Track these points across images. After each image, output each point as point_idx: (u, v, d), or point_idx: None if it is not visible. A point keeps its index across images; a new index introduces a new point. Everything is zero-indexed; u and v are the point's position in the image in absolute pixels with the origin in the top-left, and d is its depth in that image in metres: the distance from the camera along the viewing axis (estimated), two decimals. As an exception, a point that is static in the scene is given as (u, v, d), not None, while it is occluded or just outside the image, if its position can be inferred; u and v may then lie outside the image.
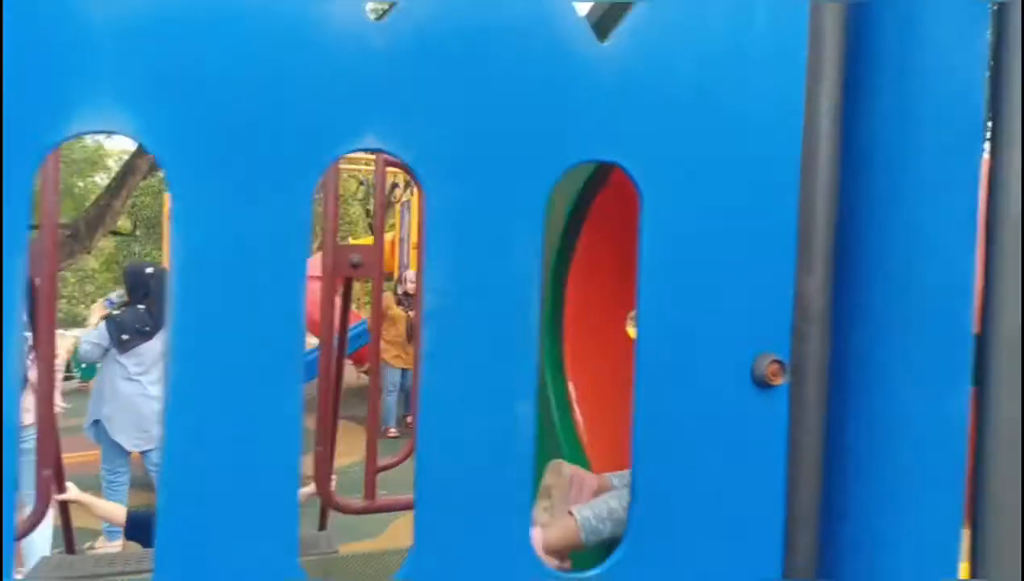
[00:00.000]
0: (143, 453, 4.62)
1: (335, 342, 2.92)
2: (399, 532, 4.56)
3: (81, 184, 19.53)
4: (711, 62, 0.77)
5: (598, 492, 1.64)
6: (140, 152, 9.92)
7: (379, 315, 3.27)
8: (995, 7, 0.83)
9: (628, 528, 0.77)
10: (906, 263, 0.82)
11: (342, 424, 3.13)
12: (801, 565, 0.81)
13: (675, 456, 0.78)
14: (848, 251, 0.84)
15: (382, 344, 5.98)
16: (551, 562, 1.45)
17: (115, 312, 4.62)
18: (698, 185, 0.77)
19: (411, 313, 7.35)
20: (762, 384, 0.79)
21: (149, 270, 4.63)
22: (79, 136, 0.66)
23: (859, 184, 0.84)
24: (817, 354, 0.82)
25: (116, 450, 4.54)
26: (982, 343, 0.84)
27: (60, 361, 4.12)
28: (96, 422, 4.60)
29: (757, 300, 0.79)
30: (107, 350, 4.51)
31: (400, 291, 7.77)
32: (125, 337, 4.49)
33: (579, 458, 1.99)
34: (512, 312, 0.71)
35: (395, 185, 9.08)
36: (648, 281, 0.76)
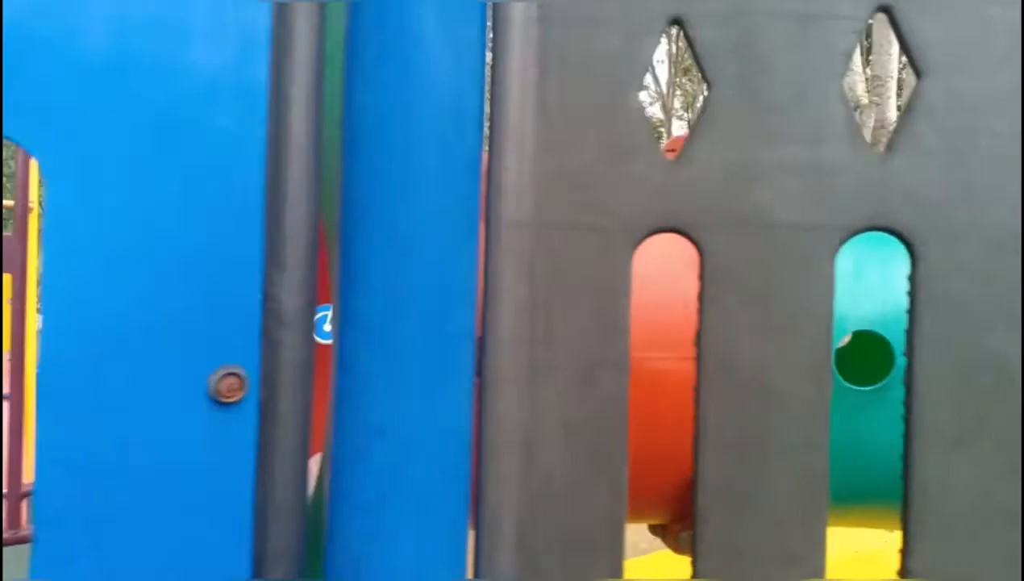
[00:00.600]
0: None
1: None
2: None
3: None
4: (140, 25, 0.65)
5: None
6: None
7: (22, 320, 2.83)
8: (491, 5, 0.81)
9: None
10: (401, 263, 0.77)
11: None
12: (274, 603, 0.73)
13: (105, 488, 0.65)
14: (343, 251, 0.77)
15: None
16: None
17: None
18: (124, 172, 0.65)
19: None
20: (219, 402, 0.69)
21: None
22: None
23: (356, 181, 0.78)
24: (294, 362, 0.74)
25: None
26: (482, 344, 0.82)
27: None
28: None
29: (213, 305, 0.69)
30: None
31: None
32: None
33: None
34: None
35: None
36: (56, 284, 0.62)
